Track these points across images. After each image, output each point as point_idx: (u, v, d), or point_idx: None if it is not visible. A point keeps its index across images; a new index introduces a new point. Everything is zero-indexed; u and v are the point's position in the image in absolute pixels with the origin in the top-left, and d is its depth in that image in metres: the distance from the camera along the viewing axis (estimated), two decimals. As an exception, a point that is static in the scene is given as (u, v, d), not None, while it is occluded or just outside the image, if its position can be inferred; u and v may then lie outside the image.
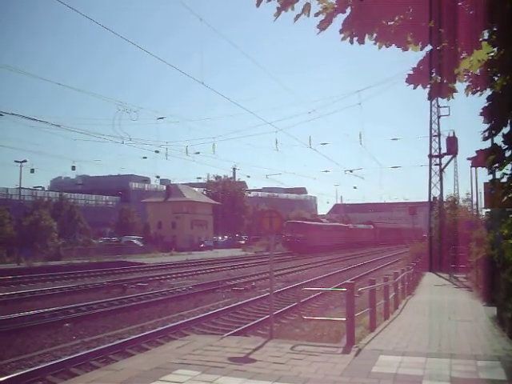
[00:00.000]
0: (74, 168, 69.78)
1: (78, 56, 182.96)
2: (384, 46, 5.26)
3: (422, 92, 5.50)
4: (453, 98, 5.65)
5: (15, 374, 10.21)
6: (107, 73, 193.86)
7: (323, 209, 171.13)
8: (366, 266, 41.38)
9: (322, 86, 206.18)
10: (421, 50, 5.19)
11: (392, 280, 15.22)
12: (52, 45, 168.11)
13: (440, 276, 27.32)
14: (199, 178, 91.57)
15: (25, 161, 58.94)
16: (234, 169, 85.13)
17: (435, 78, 5.34)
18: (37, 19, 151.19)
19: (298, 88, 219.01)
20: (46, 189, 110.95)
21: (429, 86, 5.45)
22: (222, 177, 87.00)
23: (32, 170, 67.29)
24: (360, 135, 49.67)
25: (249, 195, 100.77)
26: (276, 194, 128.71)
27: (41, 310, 17.93)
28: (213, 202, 76.77)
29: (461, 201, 38.98)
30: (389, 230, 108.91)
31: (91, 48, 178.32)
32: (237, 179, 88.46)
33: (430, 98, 5.63)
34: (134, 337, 13.87)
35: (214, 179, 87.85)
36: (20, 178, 63.92)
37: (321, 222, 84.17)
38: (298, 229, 68.26)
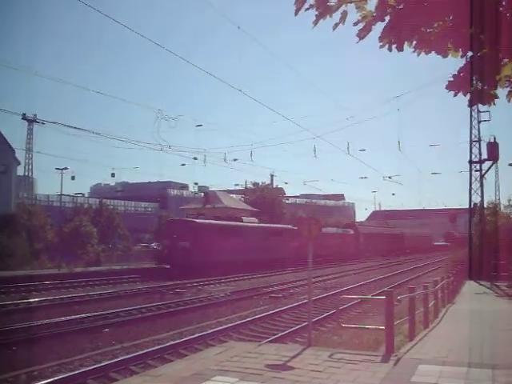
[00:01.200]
0: (113, 175, 71.08)
1: (108, 63, 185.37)
2: (423, 53, 5.23)
3: (462, 97, 5.44)
4: (494, 104, 5.58)
5: (56, 378, 10.38)
6: (145, 80, 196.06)
7: (361, 215, 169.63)
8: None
9: (360, 92, 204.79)
10: (461, 57, 5.14)
11: (432, 288, 15.03)
12: (79, 48, 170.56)
13: (480, 284, 26.86)
14: (237, 184, 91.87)
15: (66, 168, 59.88)
16: (272, 175, 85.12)
17: (476, 84, 5.28)
18: (60, 21, 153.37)
19: (337, 94, 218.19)
20: (86, 195, 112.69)
21: (469, 93, 5.40)
22: (260, 183, 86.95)
23: (73, 177, 68.69)
24: (398, 141, 49.14)
25: (286, 202, 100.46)
26: (314, 201, 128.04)
27: (81, 315, 18.18)
28: (250, 208, 76.69)
29: (502, 207, 38.36)
30: (381, 236, 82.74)
31: (122, 55, 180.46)
32: (274, 186, 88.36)
33: (471, 105, 5.56)
34: (173, 343, 13.96)
35: (251, 186, 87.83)
36: (61, 185, 65.05)
37: (239, 220, 51.43)
38: (183, 231, 40.73)
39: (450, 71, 5.43)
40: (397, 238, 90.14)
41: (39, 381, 10.24)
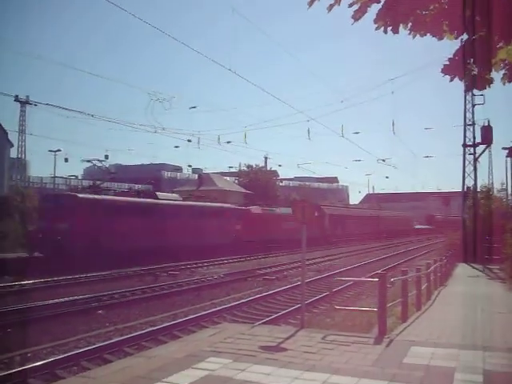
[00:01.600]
0: (107, 157, 70.53)
1: (106, 45, 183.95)
2: (418, 36, 5.21)
3: (456, 80, 5.42)
4: (489, 87, 5.57)
5: (51, 359, 10.44)
6: (139, 62, 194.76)
7: (355, 198, 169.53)
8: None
9: (354, 74, 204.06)
10: (456, 38, 5.12)
11: (424, 271, 15.12)
12: (79, 32, 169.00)
13: (473, 267, 27.02)
14: (231, 167, 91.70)
15: (59, 150, 59.81)
16: (266, 158, 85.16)
17: (471, 68, 5.27)
18: (62, 5, 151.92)
19: (331, 77, 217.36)
20: (80, 177, 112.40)
21: (464, 78, 5.39)
22: (254, 166, 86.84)
23: (66, 159, 68.38)
24: (393, 124, 49.12)
25: (280, 184, 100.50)
26: (307, 184, 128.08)
27: (75, 297, 18.21)
28: (244, 190, 76.70)
29: (495, 191, 38.47)
30: (352, 218, 75.91)
31: (121, 37, 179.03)
32: (268, 168, 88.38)
33: (467, 90, 5.57)
34: (167, 324, 14.05)
35: (245, 168, 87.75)
36: (54, 167, 64.89)
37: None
38: (61, 210, 30.55)
39: (445, 54, 5.42)
40: (371, 220, 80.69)
41: (34, 362, 10.30)
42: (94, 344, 11.95)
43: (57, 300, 17.41)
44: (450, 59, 5.30)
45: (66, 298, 17.91)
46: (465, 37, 5.20)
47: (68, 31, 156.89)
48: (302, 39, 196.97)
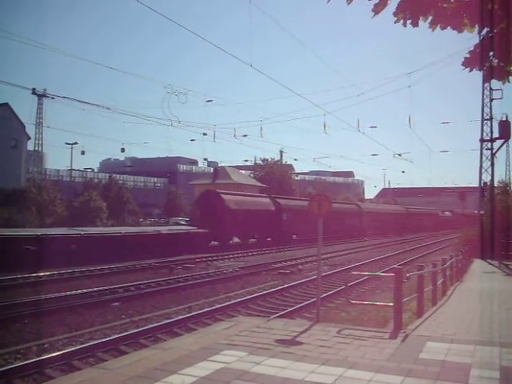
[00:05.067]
0: (123, 150, 71.20)
1: (121, 38, 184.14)
2: (438, 29, 5.15)
3: (474, 75, 5.36)
4: (508, 82, 5.50)
5: (67, 351, 10.51)
6: (155, 55, 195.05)
7: (370, 193, 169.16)
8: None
9: (371, 68, 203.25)
10: (478, 33, 5.06)
11: (440, 266, 15.03)
12: (91, 24, 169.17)
13: (490, 263, 26.83)
14: (246, 160, 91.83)
15: (76, 143, 60.30)
16: (281, 151, 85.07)
17: (491, 60, 5.20)
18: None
19: (347, 71, 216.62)
20: (96, 170, 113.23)
21: (483, 69, 5.32)
22: (269, 159, 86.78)
23: (82, 152, 69.05)
24: (409, 118, 48.50)
25: (296, 178, 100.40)
26: (323, 178, 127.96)
27: (90, 289, 18.34)
28: (259, 184, 76.64)
29: (513, 186, 38.13)
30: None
31: (135, 30, 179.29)
32: (284, 162, 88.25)
33: (485, 80, 5.52)
34: (182, 317, 14.09)
35: (260, 162, 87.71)
36: (71, 160, 65.52)
37: None
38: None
39: (462, 48, 5.36)
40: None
41: (50, 353, 10.38)
42: (110, 336, 12.04)
43: (74, 292, 17.58)
44: (470, 52, 5.24)
45: (91, 289, 18.25)
46: (485, 30, 5.14)
47: (80, 23, 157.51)
48: (319, 34, 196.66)
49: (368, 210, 74.01)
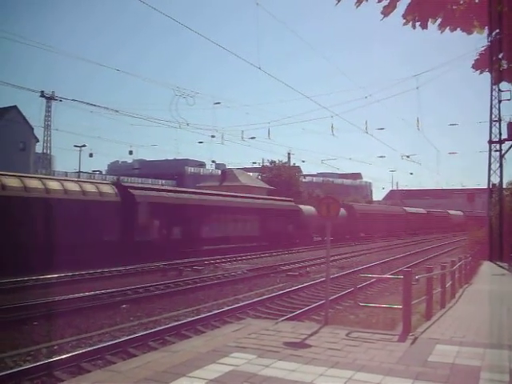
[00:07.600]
0: (131, 152, 71.49)
1: (126, 39, 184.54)
2: (447, 31, 5.14)
3: (481, 76, 5.36)
4: (517, 83, 5.49)
5: (76, 353, 10.53)
6: (161, 56, 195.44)
7: (378, 195, 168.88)
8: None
9: (378, 70, 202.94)
10: (488, 35, 5.05)
11: (449, 268, 14.97)
12: (96, 25, 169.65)
13: (499, 265, 26.71)
14: (254, 162, 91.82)
15: (84, 145, 60.43)
16: (289, 153, 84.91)
17: (501, 62, 5.19)
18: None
19: (355, 73, 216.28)
20: (104, 173, 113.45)
21: (492, 70, 5.31)
22: (277, 161, 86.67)
23: (91, 155, 69.42)
24: (417, 120, 48.39)
25: (303, 180, 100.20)
26: (331, 180, 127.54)
27: (99, 292, 18.37)
28: (267, 186, 76.58)
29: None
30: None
31: (141, 31, 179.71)
32: (292, 164, 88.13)
33: (495, 82, 5.50)
34: (191, 319, 14.08)
35: (268, 164, 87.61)
36: (79, 162, 65.47)
37: None
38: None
39: (469, 50, 5.36)
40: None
41: (59, 355, 10.40)
42: (119, 338, 12.06)
43: (82, 294, 17.62)
44: (480, 54, 5.23)
45: (100, 291, 18.33)
46: (494, 32, 5.13)
47: (83, 24, 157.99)
48: (327, 36, 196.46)
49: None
